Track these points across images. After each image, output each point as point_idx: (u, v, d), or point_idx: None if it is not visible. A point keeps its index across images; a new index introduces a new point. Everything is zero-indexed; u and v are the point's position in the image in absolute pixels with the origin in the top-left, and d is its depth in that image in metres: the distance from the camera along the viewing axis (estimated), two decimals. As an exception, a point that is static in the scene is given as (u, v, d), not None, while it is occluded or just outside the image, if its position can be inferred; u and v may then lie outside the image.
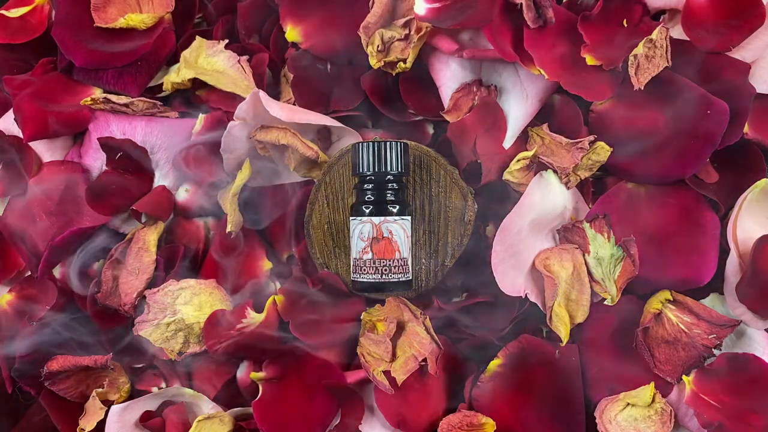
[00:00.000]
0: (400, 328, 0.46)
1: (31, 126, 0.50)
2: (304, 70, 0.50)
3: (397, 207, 0.44)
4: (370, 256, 0.44)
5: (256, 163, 0.49)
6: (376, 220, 0.43)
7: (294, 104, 0.50)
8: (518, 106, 0.47)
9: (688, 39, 0.46)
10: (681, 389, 0.44)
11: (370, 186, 0.44)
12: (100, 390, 0.48)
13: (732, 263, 0.44)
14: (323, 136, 0.50)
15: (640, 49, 0.44)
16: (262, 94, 0.46)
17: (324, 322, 0.47)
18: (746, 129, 0.45)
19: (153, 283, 0.49)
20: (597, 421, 0.44)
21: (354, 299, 0.48)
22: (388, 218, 0.43)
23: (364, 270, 0.44)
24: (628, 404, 0.44)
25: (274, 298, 0.47)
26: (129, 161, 0.50)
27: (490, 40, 0.45)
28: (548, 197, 0.46)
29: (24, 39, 0.53)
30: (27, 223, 0.50)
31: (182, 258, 0.49)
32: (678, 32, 0.47)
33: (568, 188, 0.47)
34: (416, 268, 0.47)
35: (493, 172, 0.47)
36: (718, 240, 0.45)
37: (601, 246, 0.45)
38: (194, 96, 0.52)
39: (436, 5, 0.46)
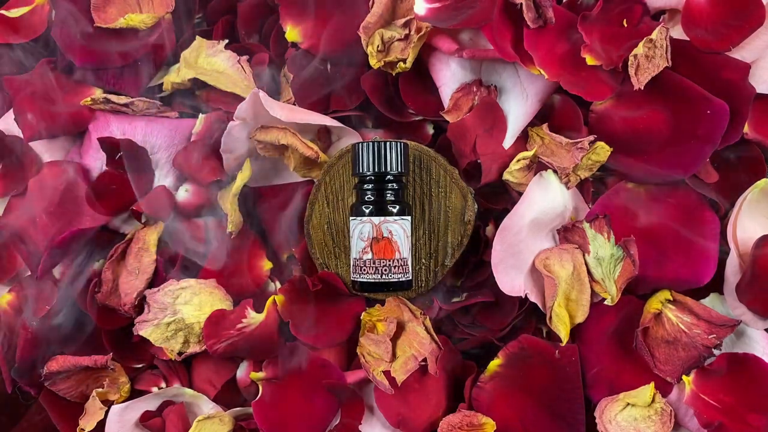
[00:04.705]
0: (400, 328, 0.46)
1: (31, 126, 0.50)
2: (304, 70, 0.50)
3: (397, 207, 0.44)
4: (370, 256, 0.44)
5: (256, 163, 0.49)
6: (376, 220, 0.43)
7: (294, 104, 0.50)
8: (518, 106, 0.47)
9: (688, 39, 0.46)
10: (681, 389, 0.44)
11: (370, 186, 0.44)
12: (100, 390, 0.48)
13: (732, 263, 0.44)
14: (323, 136, 0.50)
15: (640, 49, 0.44)
16: (262, 94, 0.46)
17: (324, 322, 0.47)
18: (746, 129, 0.45)
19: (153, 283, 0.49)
20: (597, 421, 0.44)
21: (354, 299, 0.48)
22: (388, 218, 0.43)
23: (364, 270, 0.44)
24: (628, 404, 0.44)
25: (274, 298, 0.47)
26: (129, 161, 0.50)
27: (490, 40, 0.45)
28: (548, 197, 0.46)
29: (24, 39, 0.53)
30: (27, 223, 0.50)
31: (182, 258, 0.49)
32: (678, 32, 0.47)
33: (568, 188, 0.47)
34: (416, 268, 0.47)
35: (493, 172, 0.47)
36: (718, 240, 0.45)
37: (601, 246, 0.45)
38: (194, 96, 0.52)
39: (436, 5, 0.46)
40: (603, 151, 0.45)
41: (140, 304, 0.48)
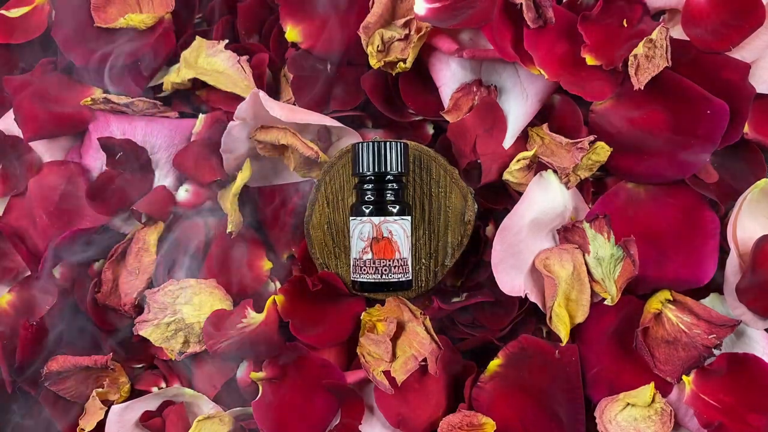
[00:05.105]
0: (400, 328, 0.46)
1: (31, 126, 0.50)
2: (304, 70, 0.50)
3: (397, 207, 0.44)
4: (370, 256, 0.44)
5: (256, 163, 0.49)
6: (376, 220, 0.43)
7: (294, 104, 0.50)
8: (518, 106, 0.47)
9: (688, 39, 0.46)
10: (681, 389, 0.44)
11: (370, 186, 0.44)
12: (100, 390, 0.48)
13: (732, 263, 0.44)
14: (323, 136, 0.50)
15: (640, 49, 0.44)
16: (262, 94, 0.46)
17: (324, 322, 0.47)
18: (746, 129, 0.45)
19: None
20: (597, 421, 0.44)
21: (354, 299, 0.48)
22: (388, 218, 0.43)
23: (364, 270, 0.44)
24: (628, 404, 0.44)
25: (274, 298, 0.47)
26: (129, 161, 0.50)
27: (490, 40, 0.45)
28: (548, 197, 0.46)
29: (24, 39, 0.53)
30: (27, 223, 0.50)
31: (182, 258, 0.49)
32: (678, 32, 0.47)
33: (568, 188, 0.47)
34: (416, 268, 0.47)
35: (493, 172, 0.47)
36: (718, 240, 0.45)
37: (601, 246, 0.45)
38: (194, 96, 0.52)
39: (436, 5, 0.46)
40: (603, 151, 0.45)
41: (140, 304, 0.48)
